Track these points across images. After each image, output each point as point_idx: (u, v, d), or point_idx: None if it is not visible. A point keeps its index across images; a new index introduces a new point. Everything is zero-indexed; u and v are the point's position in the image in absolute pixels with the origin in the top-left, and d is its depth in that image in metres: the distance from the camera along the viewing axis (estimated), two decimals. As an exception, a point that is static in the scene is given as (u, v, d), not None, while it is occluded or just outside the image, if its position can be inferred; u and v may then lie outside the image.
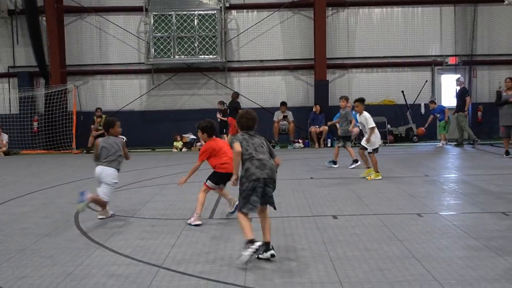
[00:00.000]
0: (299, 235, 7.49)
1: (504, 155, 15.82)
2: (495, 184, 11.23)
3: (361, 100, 12.81)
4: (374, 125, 12.64)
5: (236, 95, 20.63)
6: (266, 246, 6.35)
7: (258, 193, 6.34)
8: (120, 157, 9.01)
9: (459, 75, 20.82)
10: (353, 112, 13.56)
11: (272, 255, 6.31)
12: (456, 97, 19.42)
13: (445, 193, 10.62)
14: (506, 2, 11.50)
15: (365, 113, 12.65)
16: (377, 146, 12.64)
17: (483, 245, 6.81)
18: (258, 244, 6.20)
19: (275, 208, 6.65)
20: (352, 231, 7.64)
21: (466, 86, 20.23)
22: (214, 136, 8.69)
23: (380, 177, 12.24)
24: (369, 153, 12.54)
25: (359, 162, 13.79)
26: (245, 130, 6.75)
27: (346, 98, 14.83)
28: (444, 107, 20.20)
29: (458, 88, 19.50)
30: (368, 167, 12.62)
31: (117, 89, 22.14)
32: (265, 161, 6.44)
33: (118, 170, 8.97)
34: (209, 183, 8.49)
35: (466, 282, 5.50)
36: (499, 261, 6.15)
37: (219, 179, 8.48)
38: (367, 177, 12.29)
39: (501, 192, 10.48)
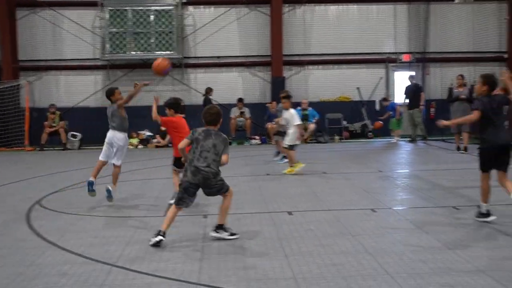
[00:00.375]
0: (255, 232, 7.51)
1: (456, 151, 16.16)
2: (447, 179, 11.45)
3: (287, 97, 12.98)
4: (299, 122, 13.00)
5: (208, 90, 20.48)
6: (218, 227, 7.14)
7: (190, 193, 6.93)
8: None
9: (413, 72, 21.16)
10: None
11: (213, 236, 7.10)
12: (407, 94, 19.68)
13: (398, 188, 10.80)
14: (457, 1, 11.69)
15: (292, 110, 12.84)
16: (296, 143, 12.85)
17: (434, 239, 6.94)
18: (159, 238, 6.77)
19: (224, 194, 7.17)
20: (307, 227, 7.71)
21: (419, 83, 20.51)
22: (179, 115, 9.37)
23: (302, 165, 12.66)
24: (284, 147, 12.85)
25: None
26: (207, 125, 7.08)
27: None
28: (396, 104, 20.50)
29: (409, 84, 19.79)
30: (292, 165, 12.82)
31: (72, 85, 21.80)
32: (200, 168, 6.84)
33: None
34: (174, 167, 9.31)
35: (417, 275, 5.61)
36: (449, 254, 6.28)
37: (178, 162, 9.08)
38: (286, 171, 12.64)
39: (452, 187, 10.70)
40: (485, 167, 7.76)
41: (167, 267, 6.05)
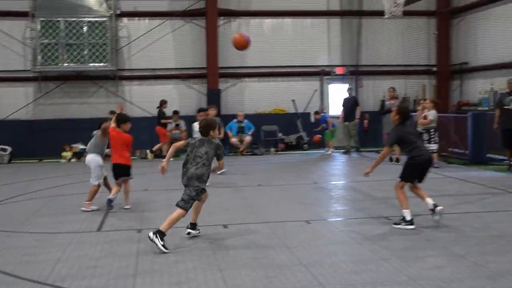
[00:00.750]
0: (188, 246, 7.46)
1: (389, 162, 16.49)
2: (380, 190, 11.67)
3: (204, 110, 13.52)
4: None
5: (162, 102, 20.23)
6: (191, 225, 7.97)
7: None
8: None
9: (347, 85, 21.54)
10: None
11: (188, 233, 7.93)
12: (345, 106, 20.03)
13: (332, 200, 10.94)
14: (386, 16, 12.01)
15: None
16: None
17: (368, 250, 7.06)
18: (159, 242, 7.17)
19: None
20: (242, 240, 7.70)
21: (356, 97, 20.87)
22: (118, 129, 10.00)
23: None
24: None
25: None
26: (203, 135, 7.84)
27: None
28: (327, 116, 20.78)
29: (348, 97, 20.16)
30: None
31: (2, 97, 21.18)
32: (189, 171, 7.67)
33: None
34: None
35: (350, 286, 5.68)
36: (381, 264, 6.40)
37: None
38: None
39: (385, 197, 10.90)
40: (409, 179, 8.41)
41: (99, 284, 5.94)
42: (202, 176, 7.63)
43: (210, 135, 7.78)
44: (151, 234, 7.23)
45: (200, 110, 14.29)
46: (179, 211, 7.48)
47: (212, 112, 14.02)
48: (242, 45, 10.14)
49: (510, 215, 9.10)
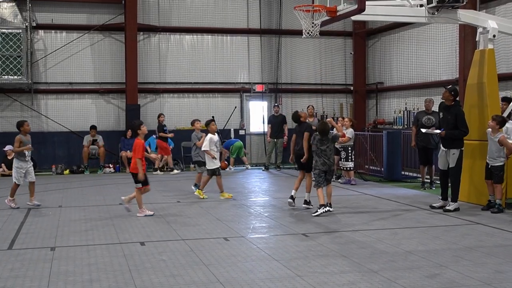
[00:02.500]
0: (104, 264, 7.31)
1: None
2: (297, 206, 11.79)
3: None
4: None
5: (159, 116, 19.72)
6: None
7: None
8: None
9: (266, 102, 21.78)
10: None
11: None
12: (272, 123, 20.18)
13: (251, 216, 10.97)
14: (304, 36, 12.24)
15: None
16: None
17: (284, 266, 7.12)
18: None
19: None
20: (159, 257, 7.62)
21: (275, 113, 21.02)
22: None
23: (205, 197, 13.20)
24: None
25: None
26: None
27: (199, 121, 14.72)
28: (232, 142, 20.85)
29: (275, 114, 20.32)
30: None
31: None
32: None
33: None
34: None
35: (266, 304, 5.71)
36: (298, 281, 6.47)
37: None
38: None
39: (304, 214, 11.04)
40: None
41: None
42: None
43: None
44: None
45: (195, 120, 14.64)
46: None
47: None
48: None
49: (422, 231, 9.39)
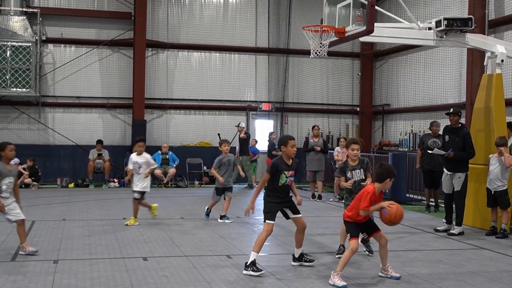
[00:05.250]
0: (106, 278, 7.29)
1: (311, 198, 16.74)
2: (301, 226, 11.74)
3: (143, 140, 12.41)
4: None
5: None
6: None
7: None
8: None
9: (271, 120, 21.90)
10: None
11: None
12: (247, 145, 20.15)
13: (254, 235, 10.91)
14: (311, 56, 12.27)
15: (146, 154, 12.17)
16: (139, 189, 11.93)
17: (286, 286, 7.10)
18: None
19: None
20: (162, 273, 7.60)
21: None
22: None
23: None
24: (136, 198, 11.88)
25: None
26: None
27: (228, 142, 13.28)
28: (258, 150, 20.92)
29: (240, 135, 20.02)
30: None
31: None
32: None
33: None
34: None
35: (268, 322, 5.68)
36: (300, 301, 6.44)
37: None
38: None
39: (306, 234, 10.99)
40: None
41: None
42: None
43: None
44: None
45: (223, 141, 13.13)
46: None
47: (225, 147, 12.84)
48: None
49: (425, 254, 9.36)
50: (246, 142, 20.09)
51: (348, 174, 8.83)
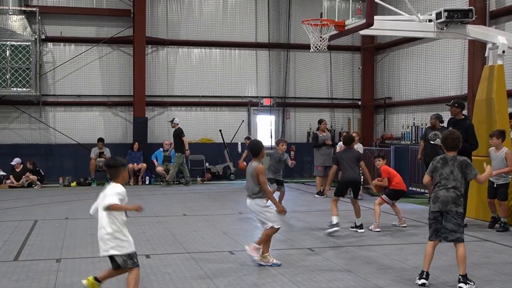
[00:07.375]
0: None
1: (316, 195, 16.47)
2: (304, 221, 11.75)
3: None
4: None
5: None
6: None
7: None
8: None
9: (273, 116, 21.88)
10: None
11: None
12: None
13: (257, 231, 10.88)
14: (312, 50, 12.23)
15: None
16: None
17: (289, 280, 7.07)
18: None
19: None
20: (164, 270, 7.58)
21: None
22: None
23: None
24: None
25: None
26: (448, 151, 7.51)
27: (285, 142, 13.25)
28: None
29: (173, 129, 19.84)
30: None
31: None
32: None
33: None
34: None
35: (271, 318, 5.65)
36: (303, 296, 6.41)
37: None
38: None
39: (309, 228, 10.99)
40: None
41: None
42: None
43: None
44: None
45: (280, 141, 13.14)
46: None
47: (281, 147, 12.77)
48: None
49: (428, 246, 9.29)
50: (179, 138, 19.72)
51: None
